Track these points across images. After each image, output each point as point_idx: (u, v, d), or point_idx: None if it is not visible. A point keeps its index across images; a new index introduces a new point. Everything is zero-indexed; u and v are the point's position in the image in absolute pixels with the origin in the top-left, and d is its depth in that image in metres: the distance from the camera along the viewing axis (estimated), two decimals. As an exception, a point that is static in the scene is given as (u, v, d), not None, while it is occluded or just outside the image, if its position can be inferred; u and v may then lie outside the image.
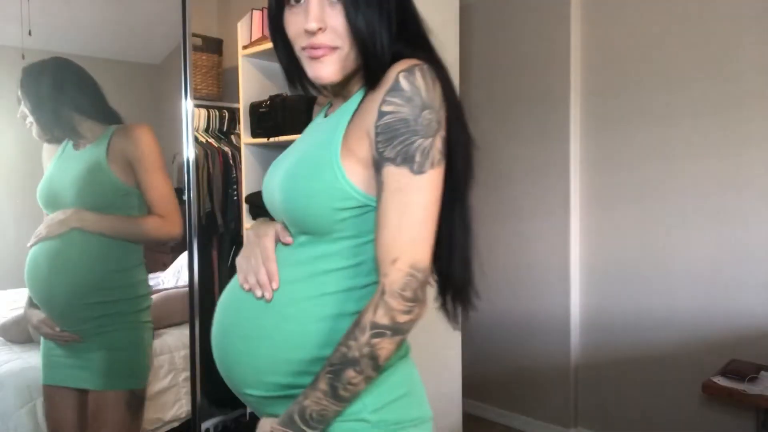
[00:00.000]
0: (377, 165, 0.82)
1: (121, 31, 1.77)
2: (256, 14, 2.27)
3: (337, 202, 0.83)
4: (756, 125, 2.33)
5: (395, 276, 0.80)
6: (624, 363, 2.72)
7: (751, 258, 2.35)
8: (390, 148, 0.80)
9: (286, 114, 2.16)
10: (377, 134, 0.81)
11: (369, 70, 0.85)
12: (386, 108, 0.81)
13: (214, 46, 2.68)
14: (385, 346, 0.81)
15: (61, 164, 1.78)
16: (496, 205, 3.09)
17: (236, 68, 2.38)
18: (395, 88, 0.81)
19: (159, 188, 1.74)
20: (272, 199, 0.93)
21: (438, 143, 0.82)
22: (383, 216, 0.81)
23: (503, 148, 3.05)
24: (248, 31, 2.31)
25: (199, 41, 2.63)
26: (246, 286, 0.91)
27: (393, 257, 0.80)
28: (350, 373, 0.80)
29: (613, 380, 2.76)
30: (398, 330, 0.81)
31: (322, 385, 0.81)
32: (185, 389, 2.24)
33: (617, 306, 2.74)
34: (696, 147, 2.47)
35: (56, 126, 1.78)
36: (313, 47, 0.85)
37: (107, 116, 1.78)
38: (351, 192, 0.83)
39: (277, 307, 0.88)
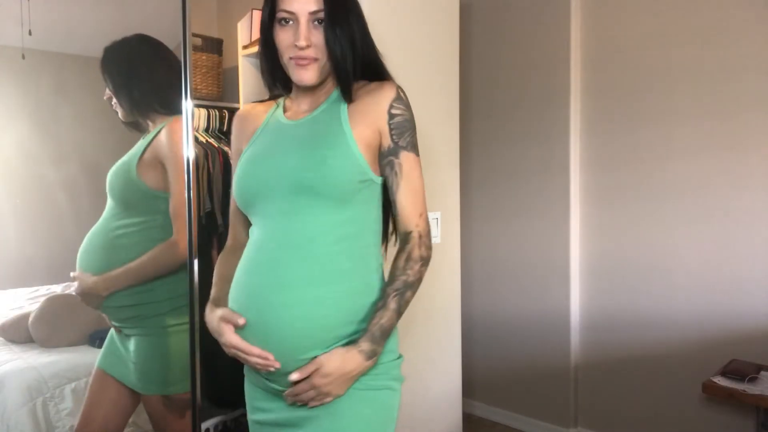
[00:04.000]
0: (393, 151, 1.16)
1: (121, 31, 1.76)
2: (256, 14, 2.27)
3: (358, 176, 1.13)
4: (756, 125, 2.33)
5: (423, 224, 1.18)
6: (624, 363, 2.72)
7: (751, 258, 2.35)
8: (402, 139, 1.17)
9: (286, 114, 2.16)
10: (391, 129, 1.15)
11: (340, 79, 1.16)
12: (395, 111, 1.16)
13: (214, 46, 2.68)
14: (425, 272, 1.17)
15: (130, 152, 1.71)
16: (495, 205, 3.08)
17: (236, 68, 2.38)
18: (399, 98, 1.17)
19: (178, 198, 1.60)
20: (266, 184, 1.14)
21: None
22: (408, 185, 1.16)
23: (503, 148, 3.04)
24: (248, 31, 2.30)
25: (199, 41, 2.63)
26: (264, 369, 1.12)
27: (419, 212, 1.18)
28: (408, 294, 1.14)
29: (613, 380, 2.76)
30: (428, 260, 1.17)
31: (393, 305, 1.11)
32: (185, 389, 2.24)
33: (617, 306, 2.74)
34: (696, 146, 2.47)
35: (133, 110, 1.69)
36: (301, 58, 1.13)
37: (169, 105, 1.65)
38: (366, 169, 1.14)
39: (326, 268, 1.11)
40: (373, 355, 1.10)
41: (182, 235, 1.62)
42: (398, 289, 1.12)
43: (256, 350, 1.10)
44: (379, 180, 1.19)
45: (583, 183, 2.83)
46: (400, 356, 1.22)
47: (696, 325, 2.50)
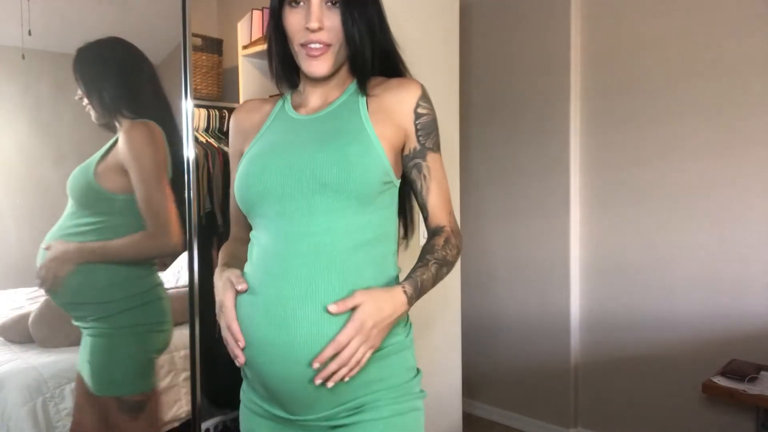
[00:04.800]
0: (420, 153, 1.12)
1: (121, 31, 1.76)
2: (256, 14, 2.27)
3: (382, 176, 1.05)
4: (756, 125, 2.33)
5: (453, 221, 1.17)
6: (624, 363, 2.72)
7: (751, 258, 2.35)
8: (429, 140, 1.13)
9: (286, 114, 2.16)
10: (418, 130, 1.11)
11: (356, 68, 1.10)
12: (421, 111, 1.11)
13: (214, 46, 2.68)
14: (456, 262, 1.14)
15: None
16: (495, 205, 3.08)
17: (236, 68, 2.38)
18: (425, 96, 1.11)
19: (146, 199, 1.63)
20: (279, 182, 1.03)
21: None
22: (438, 188, 1.14)
23: (503, 148, 3.04)
24: (248, 31, 2.30)
25: (199, 41, 2.63)
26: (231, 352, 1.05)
27: (448, 210, 1.16)
28: (444, 270, 1.10)
29: (613, 380, 2.76)
30: (459, 254, 1.15)
31: (433, 270, 1.08)
32: (185, 389, 2.24)
33: (617, 306, 2.74)
34: (696, 147, 2.47)
35: (104, 112, 1.70)
36: (312, 43, 1.04)
37: (136, 110, 1.68)
38: (389, 170, 1.07)
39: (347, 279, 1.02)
40: (410, 305, 1.04)
41: (160, 230, 1.65)
42: (438, 259, 1.08)
43: (235, 328, 1.03)
44: (398, 183, 1.12)
45: (583, 183, 2.83)
46: (418, 371, 1.13)
47: (696, 325, 2.50)
